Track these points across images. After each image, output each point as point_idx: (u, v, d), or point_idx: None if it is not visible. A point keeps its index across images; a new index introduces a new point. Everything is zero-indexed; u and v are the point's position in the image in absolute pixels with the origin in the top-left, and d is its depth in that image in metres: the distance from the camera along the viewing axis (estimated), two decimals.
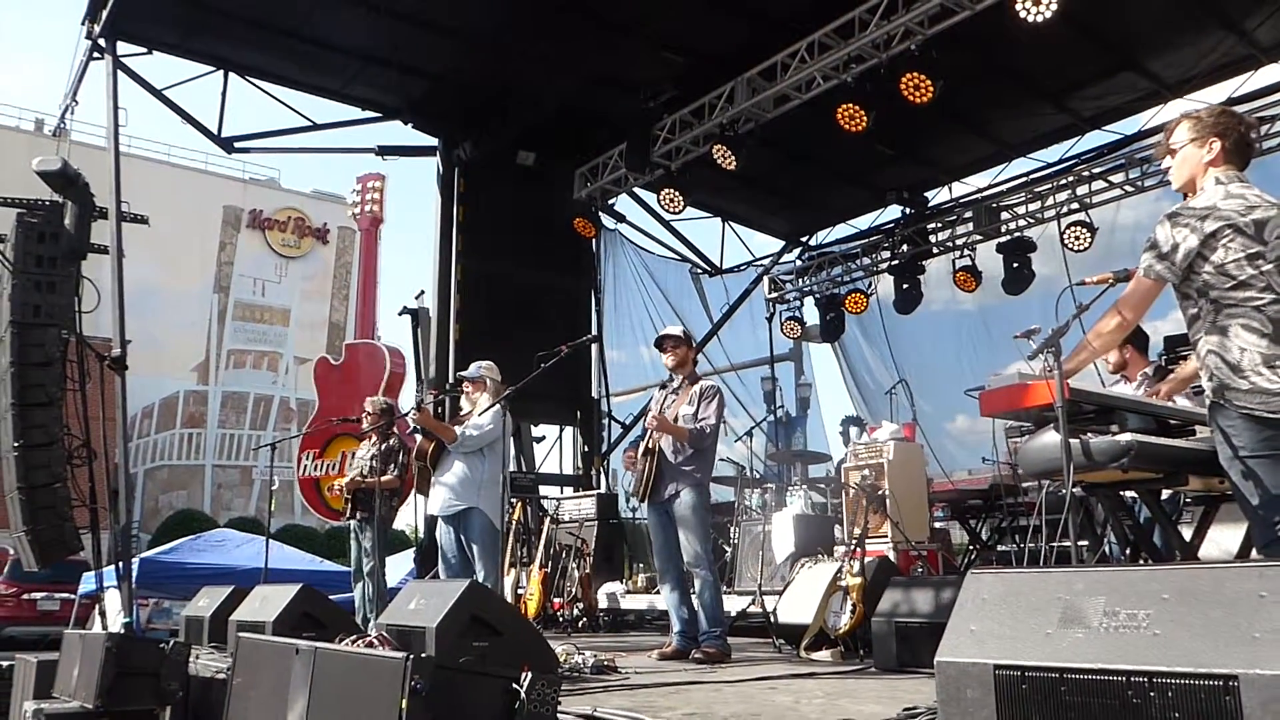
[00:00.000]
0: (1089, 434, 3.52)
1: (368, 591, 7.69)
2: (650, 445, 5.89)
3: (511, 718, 2.70)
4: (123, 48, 9.72)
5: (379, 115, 11.62)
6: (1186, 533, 4.33)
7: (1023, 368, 3.70)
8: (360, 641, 4.05)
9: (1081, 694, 2.03)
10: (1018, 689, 2.13)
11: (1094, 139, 11.21)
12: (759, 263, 14.62)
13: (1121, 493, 4.10)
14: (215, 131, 10.85)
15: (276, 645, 3.49)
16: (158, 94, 10.31)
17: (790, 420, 14.93)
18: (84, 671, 5.09)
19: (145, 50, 9.92)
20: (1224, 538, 4.38)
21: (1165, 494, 4.67)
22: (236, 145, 11.33)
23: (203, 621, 6.44)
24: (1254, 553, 3.42)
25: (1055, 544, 4.14)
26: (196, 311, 44.32)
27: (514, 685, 2.73)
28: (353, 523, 7.93)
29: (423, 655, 2.65)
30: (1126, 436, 3.46)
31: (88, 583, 10.56)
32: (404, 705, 2.51)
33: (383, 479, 7.60)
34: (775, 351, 14.16)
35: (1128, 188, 10.66)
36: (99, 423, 7.25)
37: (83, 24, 9.62)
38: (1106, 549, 5.10)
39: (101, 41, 9.56)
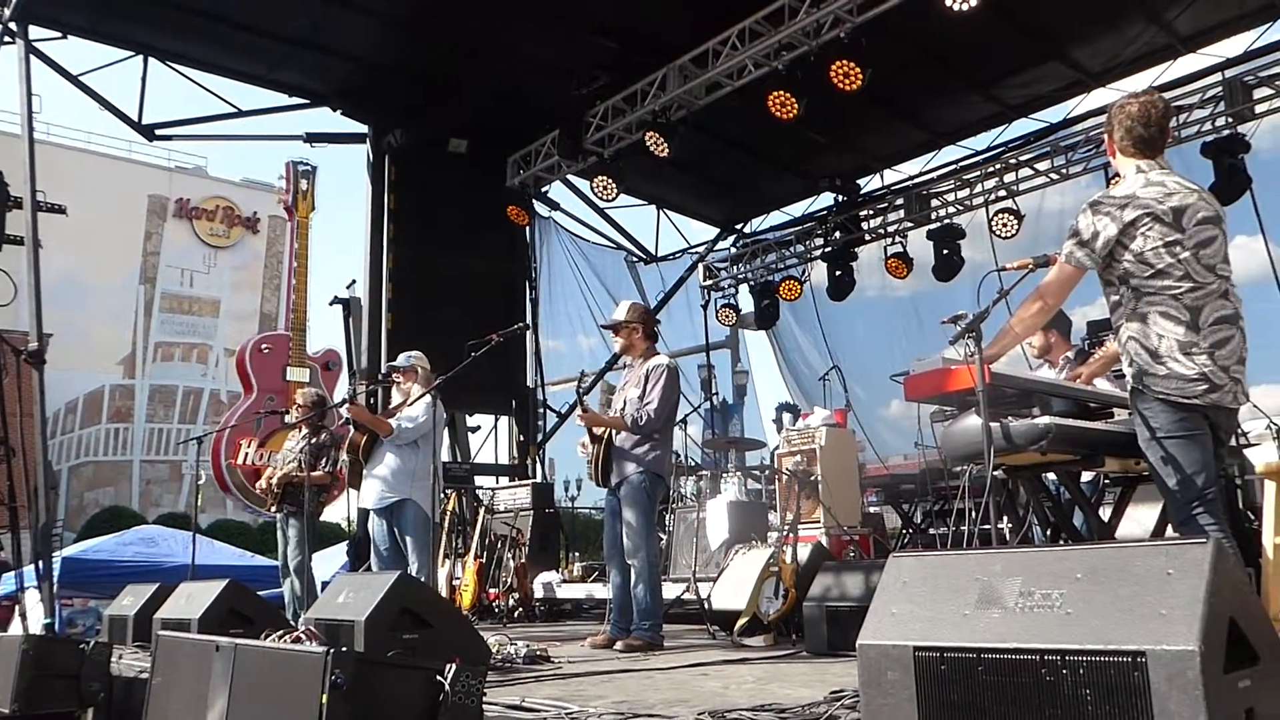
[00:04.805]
0: (1009, 418, 3.58)
1: (296, 587, 7.57)
2: (600, 431, 5.79)
3: (436, 710, 2.67)
4: (35, 32, 9.41)
5: (307, 102, 11.39)
6: (1109, 514, 4.42)
7: (948, 353, 3.74)
8: (287, 636, 3.99)
9: (998, 673, 2.05)
10: (937, 670, 2.15)
11: (1021, 127, 11.40)
12: (694, 250, 14.65)
13: (1043, 475, 4.17)
14: (136, 118, 10.57)
15: (196, 643, 3.41)
16: (74, 80, 9.99)
17: (727, 408, 15.02)
18: (0, 674, 4.94)
19: (60, 35, 9.62)
20: (1143, 516, 4.48)
21: (1087, 476, 4.78)
22: (158, 132, 11.06)
23: (126, 620, 6.28)
24: (1169, 530, 3.50)
25: (980, 526, 4.20)
26: (122, 303, 43.17)
27: (438, 677, 2.69)
28: (279, 517, 7.80)
29: (344, 649, 2.60)
30: (1045, 419, 3.52)
31: (7, 584, 10.27)
32: (324, 700, 2.47)
33: (312, 474, 7.46)
34: (711, 339, 14.20)
35: (1053, 175, 10.85)
36: (18, 419, 7.04)
37: None
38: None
39: (13, 25, 9.24)
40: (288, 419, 10.36)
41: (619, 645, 5.44)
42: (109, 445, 39.52)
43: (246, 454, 11.07)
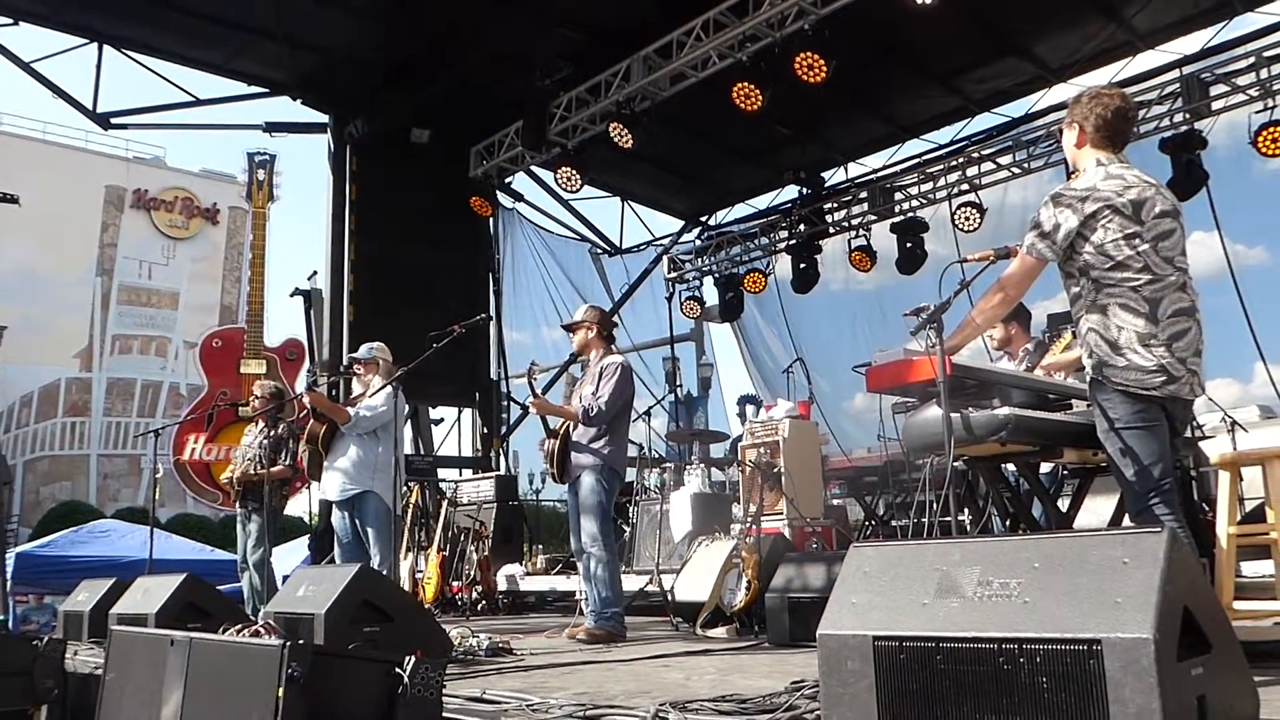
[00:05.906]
0: (970, 409, 3.59)
1: (255, 581, 7.48)
2: (557, 425, 5.88)
3: (394, 703, 2.64)
4: None
5: (267, 91, 11.26)
6: (1068, 505, 4.46)
7: (910, 344, 3.75)
8: (246, 631, 3.94)
9: (956, 662, 2.06)
10: (896, 659, 2.16)
11: (983, 121, 11.51)
12: (658, 242, 14.64)
13: (1003, 466, 4.20)
14: (91, 107, 10.38)
15: (150, 637, 3.36)
16: (26, 67, 9.81)
17: (692, 400, 15.02)
18: None
19: (12, 21, 9.43)
20: (1100, 507, 4.53)
21: (1046, 468, 4.82)
22: (114, 121, 10.85)
23: (82, 616, 6.19)
24: (1126, 520, 3.53)
25: (940, 518, 4.22)
26: (78, 296, 42.36)
27: (397, 670, 2.66)
28: (241, 513, 7.70)
29: (300, 642, 2.57)
30: (1005, 410, 3.54)
31: None
32: (280, 694, 2.44)
33: (273, 470, 7.35)
34: (676, 331, 14.18)
35: (1015, 169, 10.94)
36: None
37: None
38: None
39: None
40: (244, 411, 10.23)
41: (581, 635, 5.45)
42: (65, 439, 38.88)
43: (194, 449, 10.96)
